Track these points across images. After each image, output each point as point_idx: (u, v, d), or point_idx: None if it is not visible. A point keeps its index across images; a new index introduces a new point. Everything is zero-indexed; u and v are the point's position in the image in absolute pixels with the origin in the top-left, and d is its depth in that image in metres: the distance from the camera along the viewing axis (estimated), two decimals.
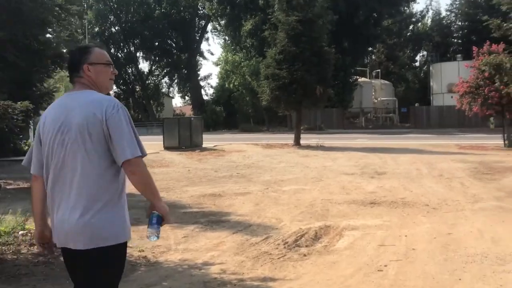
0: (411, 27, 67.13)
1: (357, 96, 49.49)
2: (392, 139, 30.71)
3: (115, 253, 2.78)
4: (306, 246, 6.53)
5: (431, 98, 50.87)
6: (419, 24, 68.64)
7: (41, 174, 2.92)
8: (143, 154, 2.78)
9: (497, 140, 25.15)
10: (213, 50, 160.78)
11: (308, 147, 24.27)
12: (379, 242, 6.58)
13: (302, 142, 25.71)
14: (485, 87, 20.91)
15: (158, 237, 2.79)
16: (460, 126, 42.79)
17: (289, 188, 11.68)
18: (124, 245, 2.84)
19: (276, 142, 27.59)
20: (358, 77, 50.87)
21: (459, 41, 61.10)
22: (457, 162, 16.39)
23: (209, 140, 27.81)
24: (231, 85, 48.66)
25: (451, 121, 44.35)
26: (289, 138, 27.40)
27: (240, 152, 21.61)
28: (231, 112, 54.20)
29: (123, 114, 2.77)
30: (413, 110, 48.26)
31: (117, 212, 2.80)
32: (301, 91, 23.55)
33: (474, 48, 22.21)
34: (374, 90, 52.52)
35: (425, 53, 69.65)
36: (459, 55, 49.68)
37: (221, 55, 56.98)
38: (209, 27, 65.57)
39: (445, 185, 11.65)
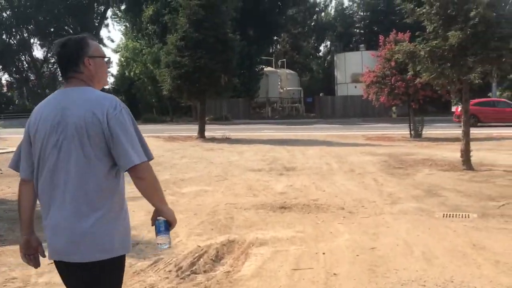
0: (315, 17, 67.39)
1: (263, 85, 48.84)
2: (299, 130, 30.14)
3: (114, 267, 2.59)
4: (205, 271, 5.27)
5: (336, 88, 51.13)
6: (323, 14, 69.18)
7: (31, 178, 2.66)
8: (150, 157, 2.59)
9: (402, 130, 25.15)
10: (114, 37, 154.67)
11: (214, 139, 23.04)
12: (293, 264, 5.43)
13: (207, 134, 24.45)
14: (391, 77, 20.57)
15: (170, 244, 2.65)
16: (363, 116, 43.21)
17: (190, 190, 10.38)
18: (123, 258, 2.65)
19: (179, 134, 26.16)
20: (264, 66, 50.20)
21: (362, 31, 62.05)
22: (366, 154, 15.76)
23: None
24: (132, 74, 46.28)
25: (355, 111, 44.73)
26: (194, 129, 26.03)
27: None
28: (133, 102, 51.73)
29: (127, 115, 2.57)
30: (319, 100, 48.25)
31: (119, 222, 2.60)
32: (205, 80, 22.19)
33: (381, 37, 21.86)
34: (280, 80, 52.11)
35: (328, 43, 70.45)
36: (362, 45, 50.25)
37: (120, 42, 54.26)
38: (109, 12, 62.69)
39: (359, 182, 10.80)
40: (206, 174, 12.59)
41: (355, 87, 46.03)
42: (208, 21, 22.41)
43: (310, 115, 48.65)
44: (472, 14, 10.76)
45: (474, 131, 24.16)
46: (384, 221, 7.36)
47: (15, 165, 2.78)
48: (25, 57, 59.10)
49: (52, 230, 2.56)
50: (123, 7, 53.21)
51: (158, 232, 2.61)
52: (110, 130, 2.50)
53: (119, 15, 57.26)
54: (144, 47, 45.74)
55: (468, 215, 7.64)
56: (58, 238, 2.54)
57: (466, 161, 11.84)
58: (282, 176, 11.99)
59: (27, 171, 2.68)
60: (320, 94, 50.38)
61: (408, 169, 12.45)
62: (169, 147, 19.93)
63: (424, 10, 11.55)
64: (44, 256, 2.77)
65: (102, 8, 63.38)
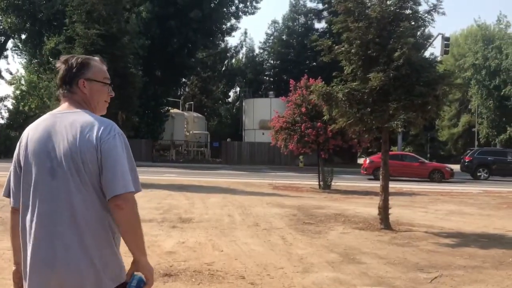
0: (225, 62, 66.83)
1: (168, 127, 46.84)
2: (203, 175, 28.37)
3: None
4: None
5: (243, 134, 50.02)
6: (233, 60, 68.83)
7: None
8: (137, 190, 2.38)
9: (310, 180, 24.03)
10: (14, 69, 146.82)
11: None
12: None
13: None
14: (301, 124, 19.42)
15: None
16: (270, 163, 42.19)
17: None
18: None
19: None
20: (170, 108, 48.33)
21: (271, 79, 62.00)
22: (273, 206, 14.21)
23: None
24: (27, 108, 42.84)
25: (262, 158, 43.65)
26: None
27: None
28: None
29: (119, 140, 2.39)
30: (225, 145, 46.74)
31: (116, 251, 2.41)
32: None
33: (291, 82, 20.78)
34: (187, 123, 50.39)
35: (238, 89, 70.00)
36: (271, 92, 49.78)
37: (16, 74, 50.65)
38: (10, 44, 58.68)
39: (264, 240, 9.14)
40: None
41: (263, 134, 45.14)
42: (107, 52, 20.37)
43: (216, 160, 47.03)
44: (396, 55, 9.65)
45: None
46: None
47: (8, 193, 2.56)
48: None
49: (45, 265, 2.32)
50: (23, 36, 49.76)
51: (129, 284, 2.36)
52: (102, 154, 2.32)
53: (20, 47, 53.67)
54: (41, 81, 42.56)
55: None
56: (54, 273, 2.30)
57: (385, 219, 10.53)
58: (174, 229, 10.11)
59: (18, 199, 2.48)
60: (227, 139, 48.98)
61: (319, 226, 10.97)
62: None
63: (342, 49, 10.35)
64: None
65: (2, 38, 59.30)
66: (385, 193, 10.57)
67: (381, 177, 10.74)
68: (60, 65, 2.56)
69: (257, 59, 65.08)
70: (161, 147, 47.65)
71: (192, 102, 56.04)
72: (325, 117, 10.88)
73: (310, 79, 20.44)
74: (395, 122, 10.10)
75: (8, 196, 2.58)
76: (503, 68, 57.69)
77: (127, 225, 2.34)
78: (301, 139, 19.40)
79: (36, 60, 47.05)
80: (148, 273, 2.40)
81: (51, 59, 43.63)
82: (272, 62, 62.45)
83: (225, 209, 13.36)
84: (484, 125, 64.51)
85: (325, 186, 20.31)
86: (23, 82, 43.13)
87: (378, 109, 10.05)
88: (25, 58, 50.68)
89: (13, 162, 2.53)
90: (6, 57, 54.45)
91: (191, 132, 50.12)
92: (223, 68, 66.33)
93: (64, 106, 2.51)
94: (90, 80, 2.53)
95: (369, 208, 14.18)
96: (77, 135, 2.35)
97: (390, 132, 10.77)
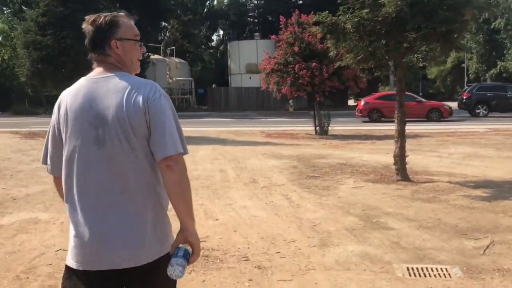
0: (207, 3, 64.05)
1: (150, 74, 44.67)
2: (189, 124, 26.70)
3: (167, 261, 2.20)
4: None
5: (229, 79, 48.02)
6: (215, 1, 66.06)
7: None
8: (185, 152, 2.29)
9: (304, 126, 22.63)
10: None
11: None
12: None
13: None
14: (295, 65, 17.77)
15: (182, 275, 2.15)
16: (259, 109, 40.61)
17: (13, 220, 6.81)
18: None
19: (45, 128, 21.89)
20: (150, 54, 46.09)
21: (256, 20, 59.56)
22: (269, 157, 12.76)
23: None
24: (0, 60, 40.45)
25: (250, 103, 42.03)
26: None
27: None
28: (5, 91, 45.68)
29: (165, 101, 2.28)
30: (211, 92, 44.89)
31: (167, 217, 2.36)
32: (72, 65, 18.13)
33: (281, 18, 18.96)
34: (169, 69, 48.26)
35: (221, 32, 67.51)
36: (256, 34, 47.51)
37: None
38: None
39: (265, 202, 7.72)
40: (51, 188, 8.99)
41: (250, 78, 43.40)
42: None
43: (202, 108, 45.32)
44: None
45: (381, 127, 22.13)
46: None
47: (46, 161, 2.45)
48: None
49: (98, 236, 2.22)
50: None
51: (174, 256, 2.18)
52: (150, 117, 2.22)
53: None
54: (14, 31, 40.01)
55: (446, 269, 4.77)
56: (109, 244, 2.21)
57: (401, 170, 9.11)
58: None
59: (59, 168, 2.35)
60: (213, 86, 47.08)
61: (326, 179, 9.55)
62: (23, 146, 15.84)
63: None
64: None
65: None
66: (402, 139, 9.11)
67: (396, 120, 9.26)
68: (86, 27, 2.38)
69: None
70: None
71: (173, 48, 53.69)
72: (331, 53, 9.26)
73: (302, 15, 18.65)
74: (415, 56, 8.51)
75: (46, 163, 2.45)
76: (492, 1, 55.71)
77: (178, 187, 2.23)
78: (295, 81, 17.80)
79: (8, 10, 44.45)
80: (196, 242, 2.27)
81: (23, 7, 41.01)
82: (256, 2, 59.80)
83: (216, 163, 11.91)
84: (473, 60, 62.89)
85: (322, 132, 18.86)
86: None
87: (393, 41, 8.47)
88: None
89: (51, 129, 2.41)
90: None
91: (174, 79, 48.10)
92: (205, 10, 63.53)
93: (99, 70, 2.36)
94: (122, 39, 2.37)
95: (375, 155, 12.82)
96: (123, 100, 2.24)
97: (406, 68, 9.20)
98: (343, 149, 14.34)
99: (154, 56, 46.85)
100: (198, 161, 12.27)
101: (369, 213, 6.89)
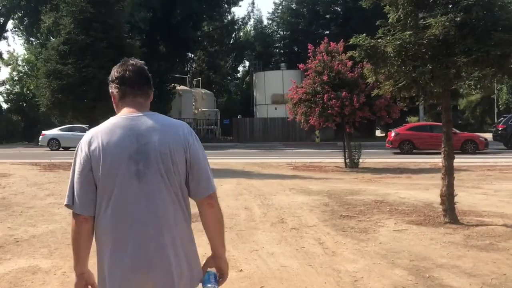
0: (233, 35, 63.91)
1: (176, 105, 44.35)
2: (214, 155, 25.95)
3: None
4: None
5: (255, 109, 47.36)
6: (241, 32, 65.94)
7: (92, 215, 2.38)
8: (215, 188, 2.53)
9: (331, 158, 21.70)
10: (17, 51, 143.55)
11: None
12: None
13: None
14: (323, 94, 16.92)
15: None
16: (284, 140, 39.78)
17: (11, 269, 5.97)
18: None
19: (67, 160, 21.25)
20: (176, 84, 45.77)
21: (282, 51, 59.11)
22: (298, 192, 11.82)
23: None
24: (25, 90, 40.39)
25: (275, 134, 41.26)
26: None
27: None
28: (31, 121, 45.49)
29: (198, 141, 2.52)
30: (236, 122, 44.25)
31: (196, 250, 2.53)
32: (93, 94, 17.54)
33: (310, 46, 18.18)
34: (195, 100, 47.89)
35: (247, 63, 67.23)
36: (282, 64, 46.94)
37: (13, 53, 48.08)
38: (10, 25, 56.11)
39: (296, 248, 6.77)
40: (60, 228, 8.17)
41: (276, 108, 42.69)
42: (98, 20, 17.90)
43: (227, 138, 44.67)
44: None
45: (414, 160, 21.03)
46: None
47: (73, 201, 2.39)
48: None
49: (141, 268, 2.32)
50: (20, 15, 46.96)
51: (206, 283, 2.42)
52: (191, 155, 2.41)
53: (21, 28, 50.96)
54: (40, 61, 40.01)
55: None
56: (151, 275, 2.32)
57: (450, 211, 8.07)
58: None
59: (88, 207, 2.37)
60: (238, 116, 46.45)
61: (362, 220, 8.57)
62: (41, 179, 15.11)
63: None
64: None
65: (1, 19, 56.67)
66: (450, 176, 8.09)
67: (443, 155, 8.24)
68: (137, 63, 2.57)
69: (266, 30, 62.07)
70: None
71: (199, 78, 53.42)
72: (368, 80, 8.35)
73: (331, 42, 17.85)
74: (467, 82, 7.55)
75: (72, 203, 2.39)
76: None
77: (217, 222, 2.50)
78: (323, 111, 16.91)
79: (35, 40, 44.57)
80: (227, 268, 2.53)
81: (50, 37, 41.13)
82: (282, 33, 59.39)
83: (240, 200, 11.01)
84: (503, 91, 61.39)
85: (352, 164, 17.86)
86: (19, 62, 40.39)
87: (439, 66, 7.54)
88: (23, 38, 48.10)
89: (78, 168, 2.39)
90: (6, 38, 51.92)
91: (199, 109, 47.69)
92: (231, 42, 63.37)
93: (130, 110, 2.46)
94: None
95: (413, 191, 11.79)
96: (165, 137, 2.36)
97: (451, 97, 8.23)
98: (377, 184, 13.32)
99: (180, 87, 46.53)
100: (221, 197, 11.35)
101: (418, 265, 5.88)
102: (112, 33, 18.18)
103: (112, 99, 2.57)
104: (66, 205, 2.42)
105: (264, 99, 44.90)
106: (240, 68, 70.31)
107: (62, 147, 31.94)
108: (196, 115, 47.18)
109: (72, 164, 2.42)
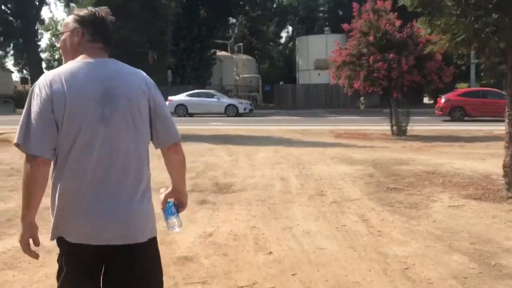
0: None
1: (216, 71, 43.58)
2: (254, 122, 25.17)
3: (156, 243, 2.48)
4: None
5: (297, 75, 46.14)
6: None
7: (50, 158, 2.27)
8: None
9: (377, 124, 20.60)
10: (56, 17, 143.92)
11: None
12: None
13: None
14: (369, 56, 15.78)
15: (181, 226, 2.57)
16: (327, 106, 38.57)
17: (10, 247, 5.31)
18: None
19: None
20: (217, 50, 44.89)
21: (326, 15, 57.32)
22: (340, 162, 10.90)
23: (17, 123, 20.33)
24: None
25: (318, 101, 40.05)
26: None
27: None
28: None
29: (159, 90, 2.51)
30: (278, 89, 43.18)
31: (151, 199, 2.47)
32: (126, 58, 16.79)
33: (354, 5, 16.96)
34: (236, 66, 46.97)
35: (290, 28, 65.66)
36: (326, 28, 45.39)
37: (52, 18, 47.96)
38: None
39: (336, 227, 5.89)
40: None
41: (319, 74, 41.40)
42: None
43: (268, 105, 43.69)
44: None
45: (466, 127, 19.74)
46: None
47: (26, 142, 2.27)
48: None
49: (101, 213, 2.27)
50: None
51: (169, 214, 2.55)
52: (155, 103, 2.41)
53: None
54: None
55: None
56: (111, 221, 2.28)
57: None
58: (203, 206, 6.99)
59: (49, 150, 2.26)
60: (280, 82, 45.34)
61: (412, 193, 7.62)
62: None
63: None
64: (38, 244, 2.33)
65: None
66: None
67: (507, 120, 7.16)
68: (104, 15, 2.50)
69: None
70: None
71: (241, 44, 52.34)
72: (422, 33, 7.30)
73: (378, 0, 16.59)
74: None
75: (30, 146, 2.24)
76: None
77: (181, 166, 2.57)
78: (369, 75, 15.81)
79: (74, 5, 44.17)
80: (186, 199, 2.64)
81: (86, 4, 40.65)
82: None
83: (277, 169, 10.17)
84: None
85: (400, 132, 16.74)
86: (59, 27, 39.82)
87: (506, 17, 6.43)
88: (63, 3, 47.80)
89: (37, 108, 2.26)
90: (48, 4, 51.97)
91: (241, 76, 46.75)
92: (274, 6, 61.84)
93: (101, 55, 2.42)
94: None
95: (468, 161, 10.70)
96: (130, 83, 2.37)
97: None
98: (427, 153, 12.24)
99: (221, 53, 45.68)
100: (256, 166, 10.58)
101: (481, 249, 4.95)
102: None
103: (67, 43, 2.45)
104: (15, 144, 2.27)
105: (307, 64, 43.60)
106: (283, 34, 68.84)
107: (188, 114, 30.51)
108: (237, 81, 46.30)
109: (27, 104, 2.27)
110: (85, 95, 2.26)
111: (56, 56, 41.36)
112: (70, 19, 2.47)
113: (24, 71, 60.83)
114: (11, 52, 59.28)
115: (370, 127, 20.34)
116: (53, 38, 42.19)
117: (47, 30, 44.36)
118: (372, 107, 36.61)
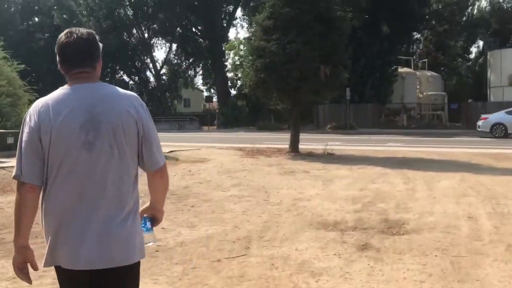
0: (465, 12, 58.03)
1: (398, 88, 41.22)
2: (437, 143, 22.80)
3: (138, 268, 2.50)
4: None
5: (488, 92, 41.97)
6: (474, 8, 59.59)
7: (39, 184, 2.33)
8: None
9: None
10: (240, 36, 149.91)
11: (309, 155, 16.67)
12: None
13: (307, 146, 18.23)
14: None
15: (155, 241, 2.64)
16: None
17: None
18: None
19: (274, 145, 20.07)
20: (399, 67, 42.55)
21: None
22: None
23: (196, 140, 20.58)
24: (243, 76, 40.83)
25: None
26: (304, 140, 19.23)
27: (195, 164, 14.17)
28: (257, 107, 45.98)
29: (149, 112, 2.49)
30: (466, 107, 39.47)
31: (139, 224, 2.51)
32: (297, 73, 15.81)
33: None
34: (419, 83, 44.08)
35: (481, 43, 60.68)
36: None
37: (235, 38, 49.10)
38: (239, 12, 58.12)
39: None
40: (219, 233, 6.49)
41: None
42: None
43: (454, 125, 40.18)
44: None
45: None
46: None
47: (21, 172, 2.36)
48: (144, 58, 56.15)
49: (81, 237, 2.31)
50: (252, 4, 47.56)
51: (144, 229, 2.53)
52: (143, 127, 2.39)
53: (247, 11, 52.05)
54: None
55: None
56: (91, 244, 2.30)
57: None
58: (362, 255, 5.49)
59: (36, 176, 2.32)
60: (469, 100, 41.54)
61: None
62: (236, 165, 13.88)
63: None
64: (37, 268, 2.38)
65: (230, 8, 58.88)
66: None
67: None
68: (77, 38, 2.42)
69: (503, 5, 55.15)
70: (390, 112, 42.21)
71: (425, 60, 49.25)
72: None
73: None
74: None
75: (21, 174, 2.33)
76: None
77: (164, 190, 2.57)
78: None
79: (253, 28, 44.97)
80: (161, 215, 2.64)
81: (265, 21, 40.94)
82: None
83: (463, 203, 8.28)
84: None
85: None
86: (241, 47, 40.46)
87: None
88: (247, 22, 48.97)
89: (25, 137, 2.34)
90: (234, 25, 53.66)
91: (424, 93, 43.73)
92: (463, 19, 57.60)
93: (84, 80, 2.40)
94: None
95: None
96: (117, 108, 2.34)
97: None
98: None
99: (403, 69, 43.23)
100: (437, 198, 8.77)
101: None
102: (319, 4, 16.22)
103: None
104: (14, 177, 2.33)
105: (500, 80, 39.42)
106: (473, 49, 63.86)
107: (508, 134, 26.10)
108: (420, 99, 43.38)
109: (20, 133, 2.36)
110: (70, 121, 2.29)
111: (239, 75, 42.15)
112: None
113: (212, 90, 63.91)
114: (200, 72, 62.68)
115: None
116: (236, 58, 43.08)
117: (231, 50, 45.57)
118: None
